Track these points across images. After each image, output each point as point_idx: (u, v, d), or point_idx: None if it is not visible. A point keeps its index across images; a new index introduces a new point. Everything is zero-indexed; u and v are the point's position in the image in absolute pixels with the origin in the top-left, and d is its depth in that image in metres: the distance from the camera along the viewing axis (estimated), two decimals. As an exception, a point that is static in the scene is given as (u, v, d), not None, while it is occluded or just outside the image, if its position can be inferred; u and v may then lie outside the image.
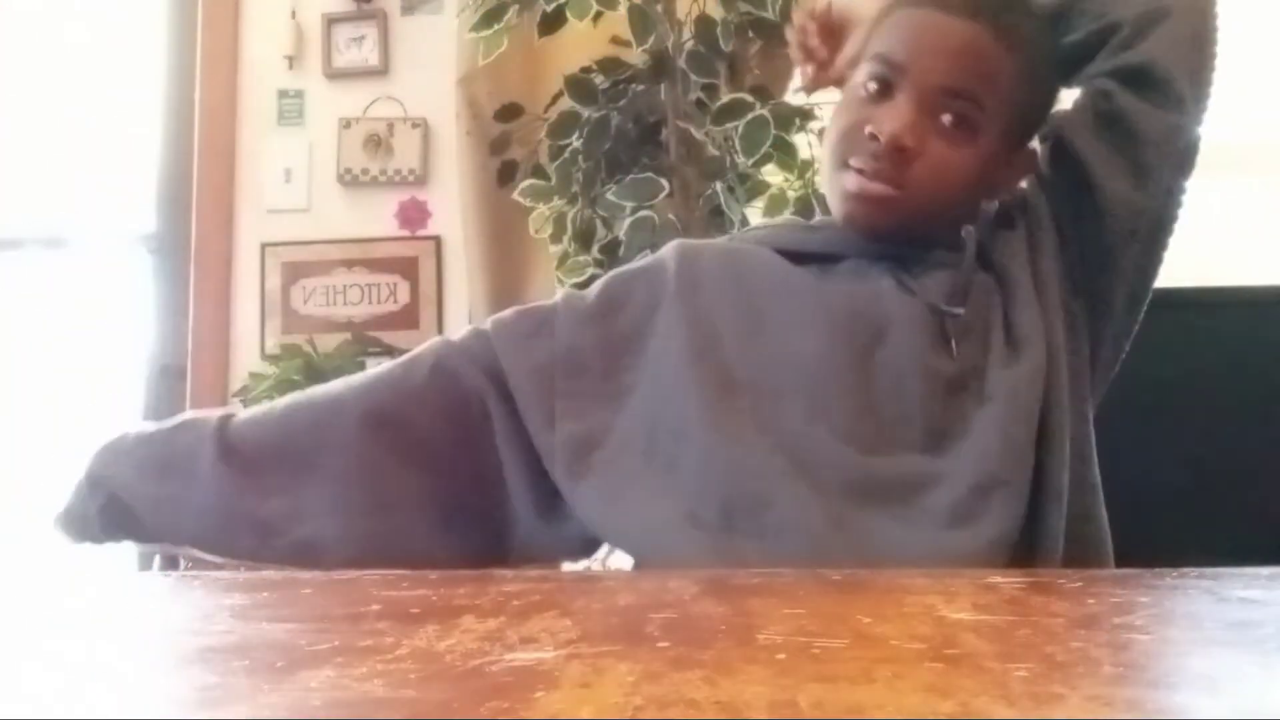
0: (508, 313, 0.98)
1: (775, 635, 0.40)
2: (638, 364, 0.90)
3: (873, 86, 0.89)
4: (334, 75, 2.47)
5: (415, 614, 0.47)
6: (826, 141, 0.95)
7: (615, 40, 1.94)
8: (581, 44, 2.00)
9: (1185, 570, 0.58)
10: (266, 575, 0.68)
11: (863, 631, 0.41)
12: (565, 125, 1.88)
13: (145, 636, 0.47)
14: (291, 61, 2.47)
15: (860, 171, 0.88)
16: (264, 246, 2.44)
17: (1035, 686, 0.32)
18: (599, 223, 1.89)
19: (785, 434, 0.84)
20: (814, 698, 0.31)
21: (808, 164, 1.89)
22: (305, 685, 0.34)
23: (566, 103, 1.91)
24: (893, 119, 0.87)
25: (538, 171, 1.99)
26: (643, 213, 1.75)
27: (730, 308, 0.90)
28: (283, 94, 2.48)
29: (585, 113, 1.86)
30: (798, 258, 0.94)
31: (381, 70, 2.46)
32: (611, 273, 0.99)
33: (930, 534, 0.79)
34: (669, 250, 0.96)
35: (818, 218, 1.05)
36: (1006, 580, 0.55)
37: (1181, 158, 0.94)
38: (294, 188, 2.46)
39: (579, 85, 1.90)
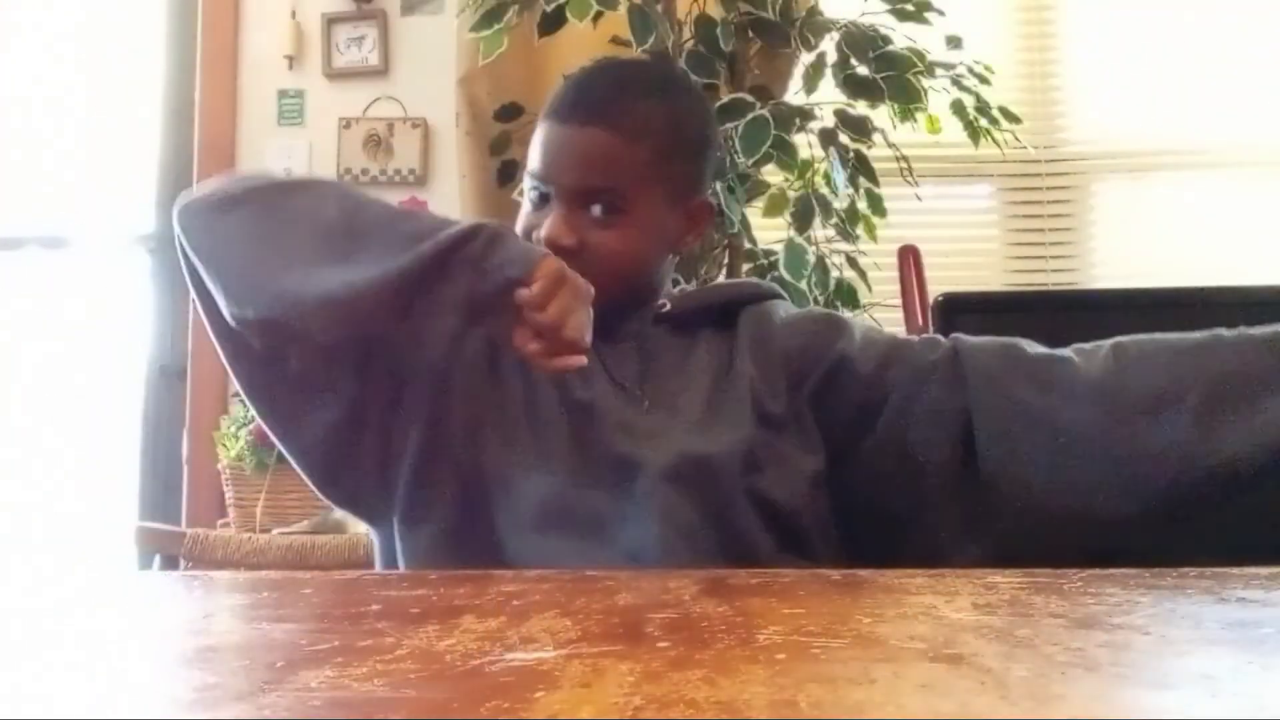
0: None
1: (775, 635, 0.40)
2: None
3: (534, 197, 0.98)
4: (334, 75, 2.47)
5: (415, 614, 0.47)
6: None
7: (615, 40, 1.94)
8: (581, 44, 1.99)
9: (1185, 570, 0.58)
10: (266, 575, 0.68)
11: (863, 631, 0.41)
12: (565, 125, 1.88)
13: (145, 636, 0.47)
14: (291, 61, 2.47)
15: None
16: (264, 246, 2.44)
17: (1035, 686, 0.32)
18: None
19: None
20: (814, 698, 0.31)
21: (808, 164, 1.89)
22: (305, 685, 0.34)
23: (566, 103, 1.91)
24: (549, 224, 0.95)
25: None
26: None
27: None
28: (283, 94, 2.48)
29: (585, 113, 1.86)
30: None
31: (381, 70, 2.46)
32: None
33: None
34: None
35: None
36: (1006, 580, 0.55)
37: None
38: (294, 188, 2.46)
39: (579, 85, 1.90)
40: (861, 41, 1.85)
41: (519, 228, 0.99)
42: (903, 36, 1.89)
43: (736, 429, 0.93)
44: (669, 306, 1.02)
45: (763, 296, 1.05)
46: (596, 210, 0.95)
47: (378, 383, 0.94)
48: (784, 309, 1.05)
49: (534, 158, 0.99)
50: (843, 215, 1.91)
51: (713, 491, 0.90)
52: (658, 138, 0.97)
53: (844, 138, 1.89)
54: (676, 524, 0.88)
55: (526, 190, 1.00)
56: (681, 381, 0.98)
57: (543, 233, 0.95)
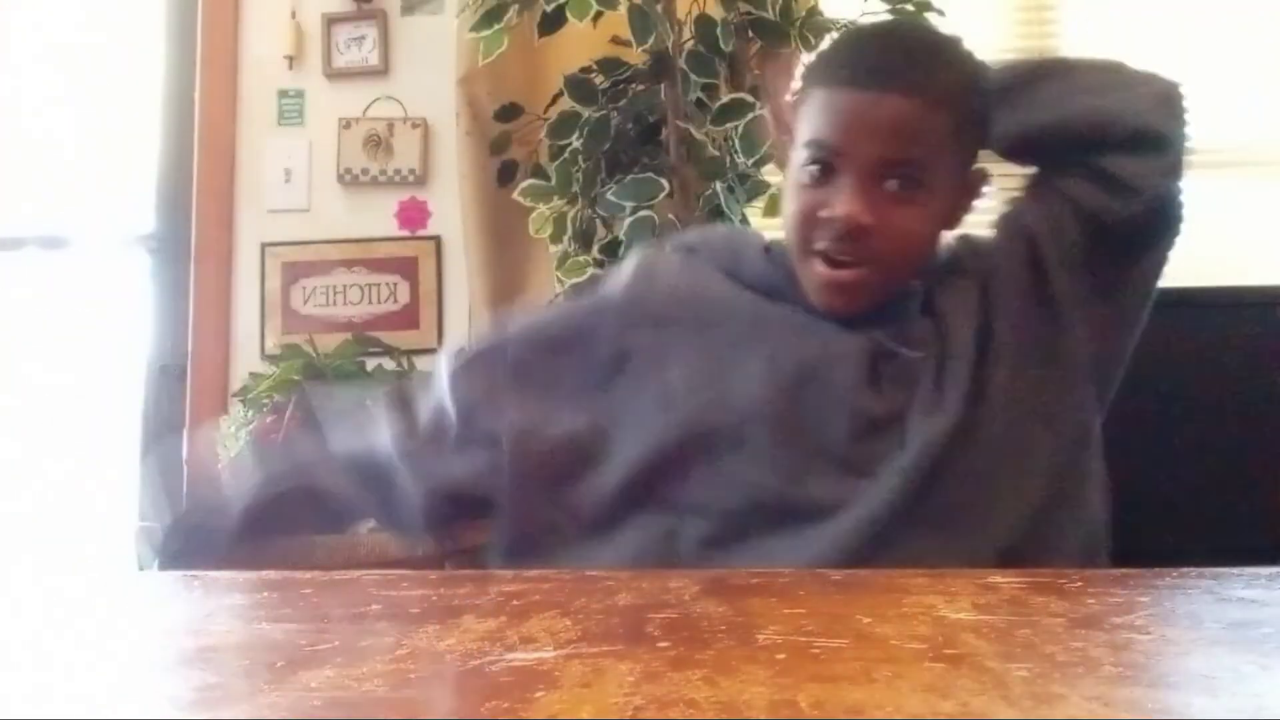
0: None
1: (775, 635, 0.40)
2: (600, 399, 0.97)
3: (814, 170, 0.91)
4: (334, 75, 2.47)
5: (415, 614, 0.47)
6: (786, 226, 0.96)
7: (615, 40, 1.94)
8: (581, 44, 2.00)
9: (1185, 570, 0.58)
10: (266, 575, 0.68)
11: (863, 631, 0.41)
12: (565, 125, 1.88)
13: (145, 636, 0.47)
14: (291, 61, 2.47)
15: (826, 256, 0.91)
16: (264, 246, 2.44)
17: (1035, 686, 0.32)
18: (599, 223, 1.89)
19: (713, 459, 0.90)
20: (814, 698, 0.31)
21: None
22: (305, 685, 0.34)
23: (566, 103, 1.91)
24: (843, 201, 0.89)
25: (538, 171, 1.99)
26: (643, 213, 1.75)
27: (686, 353, 0.95)
28: (283, 94, 2.48)
29: (585, 113, 1.86)
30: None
31: (381, 70, 2.46)
32: (571, 302, 1.07)
33: (811, 556, 0.83)
34: (628, 278, 1.02)
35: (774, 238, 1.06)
36: (1006, 580, 0.55)
37: (1168, 171, 1.00)
38: (294, 188, 2.46)
39: (579, 85, 1.90)
40: (861, 41, 1.84)
41: (794, 207, 0.93)
42: (903, 36, 1.88)
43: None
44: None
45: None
46: (893, 185, 0.89)
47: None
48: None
49: (818, 127, 0.91)
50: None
51: None
52: (957, 104, 0.91)
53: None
54: None
55: (800, 165, 0.92)
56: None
57: (838, 210, 0.89)
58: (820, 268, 0.91)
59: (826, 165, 0.90)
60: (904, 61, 0.92)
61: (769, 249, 1.01)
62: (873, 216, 0.88)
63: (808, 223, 0.91)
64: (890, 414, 0.89)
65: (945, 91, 0.91)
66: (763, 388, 0.91)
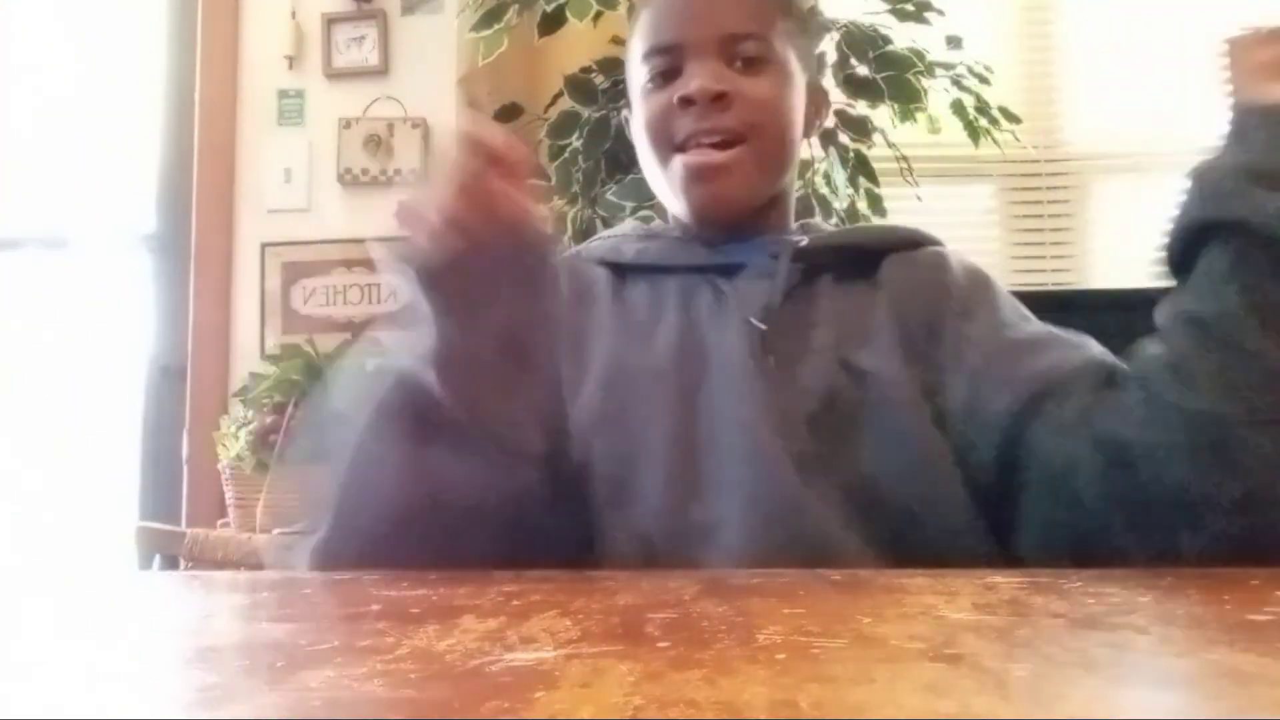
0: None
1: (775, 635, 0.40)
2: None
3: (657, 81, 0.90)
4: (334, 75, 2.47)
5: (415, 614, 0.47)
6: (642, 147, 0.93)
7: (615, 40, 1.94)
8: (581, 44, 2.00)
9: (1185, 570, 0.58)
10: (266, 575, 0.68)
11: (863, 631, 0.41)
12: (565, 125, 1.88)
13: (145, 636, 0.47)
14: (291, 61, 2.47)
15: (691, 146, 0.88)
16: (264, 246, 2.45)
17: (1035, 686, 0.32)
18: (599, 223, 1.89)
19: (609, 484, 0.81)
20: (814, 698, 0.31)
21: (807, 164, 1.89)
22: (305, 685, 0.34)
23: (566, 103, 1.91)
24: (693, 77, 0.88)
25: (538, 171, 1.99)
26: (643, 213, 1.75)
27: (582, 358, 0.87)
28: (283, 94, 2.48)
29: (585, 113, 1.86)
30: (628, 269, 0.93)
31: (381, 70, 2.46)
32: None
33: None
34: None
35: (656, 223, 1.03)
36: (1006, 580, 0.55)
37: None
38: (294, 188, 2.46)
39: (579, 85, 1.90)
40: (861, 41, 1.85)
41: (644, 121, 0.91)
42: (903, 36, 1.89)
43: None
44: (805, 241, 0.89)
45: (917, 243, 0.94)
46: (740, 60, 0.89)
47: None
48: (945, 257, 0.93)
49: (653, 35, 0.91)
50: (843, 215, 1.91)
51: None
52: (783, 1, 0.93)
53: (844, 138, 1.89)
54: None
55: (643, 83, 0.92)
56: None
57: (689, 88, 0.87)
58: (689, 157, 0.88)
59: (667, 70, 0.90)
60: None
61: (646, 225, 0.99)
62: (724, 85, 0.87)
63: (663, 119, 0.89)
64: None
65: None
66: (645, 395, 0.83)
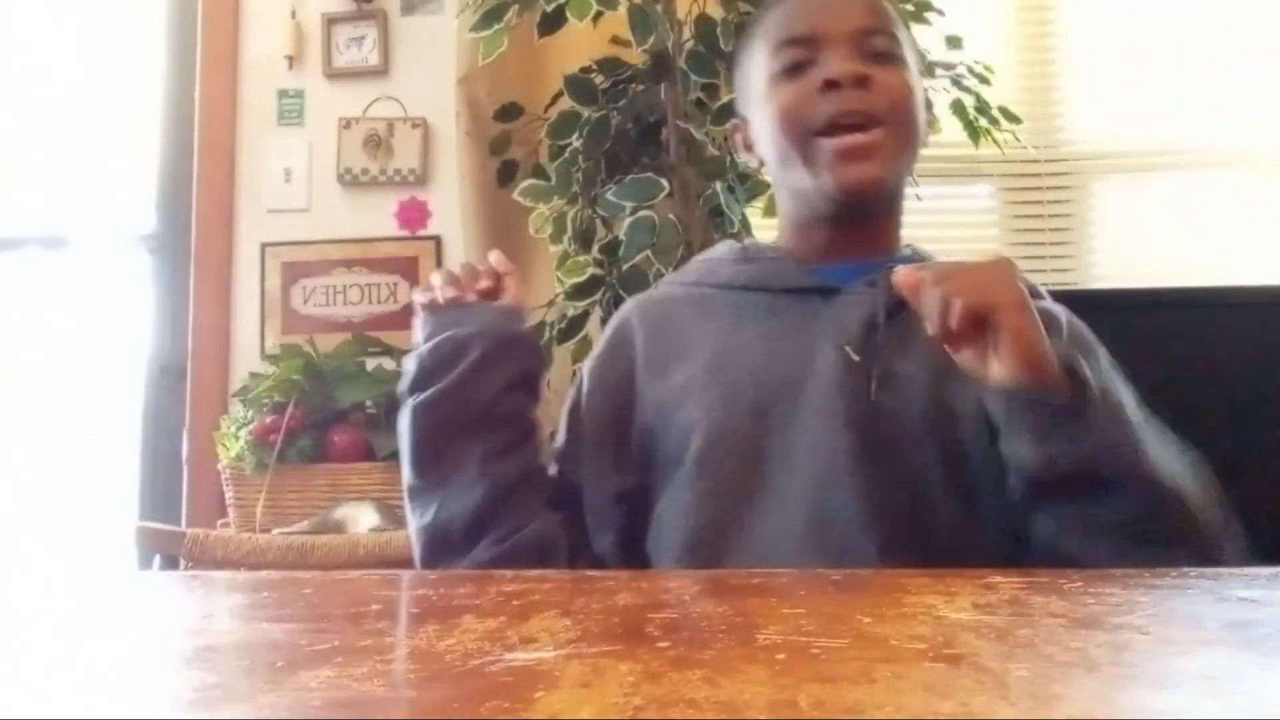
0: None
1: (775, 635, 0.40)
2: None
3: (791, 71, 0.93)
4: (334, 75, 2.47)
5: (415, 614, 0.47)
6: (776, 132, 0.95)
7: (615, 40, 1.94)
8: (581, 44, 2.00)
9: (1185, 570, 0.58)
10: (266, 575, 0.68)
11: (863, 631, 0.41)
12: (565, 125, 1.88)
13: (145, 636, 0.47)
14: (291, 61, 2.47)
15: (834, 126, 0.90)
16: (264, 246, 2.44)
17: (1035, 686, 0.32)
18: (599, 223, 1.89)
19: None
20: (814, 698, 0.31)
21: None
22: (305, 685, 0.34)
23: (566, 103, 1.91)
24: (834, 63, 0.91)
25: (538, 171, 1.99)
26: (643, 213, 1.75)
27: (670, 368, 0.95)
28: (283, 94, 2.48)
29: (585, 113, 1.86)
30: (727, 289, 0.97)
31: (381, 70, 2.46)
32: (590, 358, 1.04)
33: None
34: (626, 322, 1.01)
35: (749, 241, 1.05)
36: (1006, 580, 0.55)
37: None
38: (294, 188, 2.46)
39: (579, 85, 1.90)
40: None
41: (778, 108, 0.93)
42: (903, 36, 1.88)
43: None
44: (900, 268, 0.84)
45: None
46: (874, 49, 0.92)
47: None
48: None
49: (785, 27, 0.95)
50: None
51: None
52: (897, 12, 0.99)
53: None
54: None
55: (773, 73, 0.94)
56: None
57: (832, 70, 0.90)
58: (836, 140, 0.90)
59: (799, 64, 0.93)
60: None
61: (743, 244, 1.03)
62: (864, 70, 0.91)
63: (801, 105, 0.92)
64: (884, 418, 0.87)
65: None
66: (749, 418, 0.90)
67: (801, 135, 0.92)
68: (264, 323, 2.43)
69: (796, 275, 0.95)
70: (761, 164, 1.01)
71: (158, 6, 2.59)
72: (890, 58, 0.93)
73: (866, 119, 0.90)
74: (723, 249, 1.04)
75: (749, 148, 1.03)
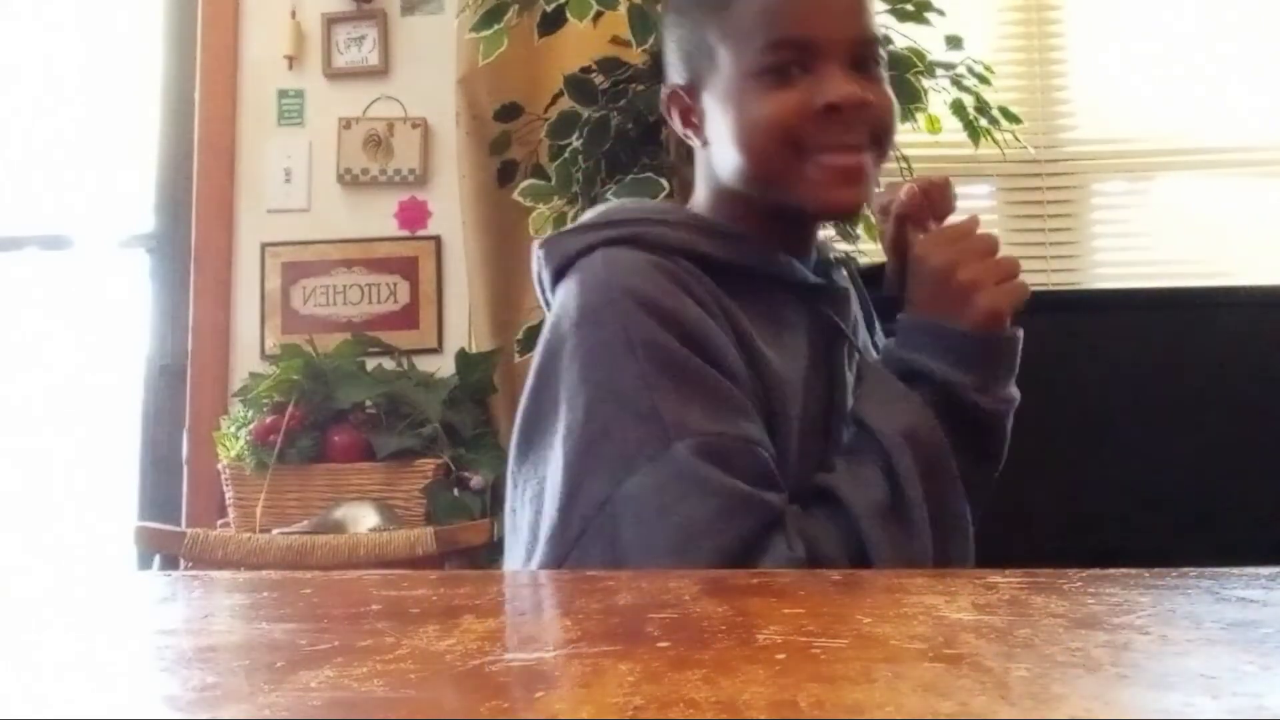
0: None
1: (775, 635, 0.40)
2: None
3: (781, 74, 0.86)
4: (334, 75, 2.47)
5: (415, 614, 0.47)
6: (746, 143, 0.88)
7: (615, 40, 1.94)
8: (581, 44, 2.00)
9: (1185, 570, 0.58)
10: (266, 575, 0.68)
11: (863, 631, 0.41)
12: (565, 125, 1.88)
13: (145, 636, 0.47)
14: (291, 61, 2.47)
15: (836, 146, 0.86)
16: (264, 246, 2.45)
17: (1035, 686, 0.32)
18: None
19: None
20: (814, 698, 0.31)
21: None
22: (305, 685, 0.34)
23: (566, 103, 1.91)
24: (839, 84, 0.85)
25: (538, 171, 1.99)
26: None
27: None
28: (283, 94, 2.48)
29: (585, 113, 1.86)
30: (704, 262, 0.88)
31: (381, 70, 2.46)
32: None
33: None
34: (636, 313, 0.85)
35: (696, 213, 0.96)
36: (1006, 580, 0.55)
37: None
38: (294, 188, 2.46)
39: (579, 85, 1.90)
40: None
41: (769, 110, 0.86)
42: (903, 36, 1.89)
43: None
44: (854, 263, 0.96)
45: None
46: (867, 64, 0.88)
47: None
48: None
49: (783, 25, 0.86)
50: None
51: None
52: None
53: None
54: None
55: (753, 75, 0.87)
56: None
57: (842, 92, 0.84)
58: (832, 159, 0.86)
59: (787, 70, 0.86)
60: None
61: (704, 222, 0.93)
62: (870, 95, 0.86)
63: (794, 119, 0.85)
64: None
65: None
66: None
67: (790, 152, 0.87)
68: (264, 323, 2.43)
69: (787, 265, 0.92)
70: (704, 144, 0.93)
71: (158, 7, 2.59)
72: (877, 68, 0.89)
73: (860, 142, 0.87)
74: (671, 213, 0.93)
75: (693, 125, 0.94)
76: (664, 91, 0.97)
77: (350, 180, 2.43)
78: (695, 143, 0.95)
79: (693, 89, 0.93)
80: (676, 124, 0.96)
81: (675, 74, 0.96)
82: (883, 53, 0.91)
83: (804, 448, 0.85)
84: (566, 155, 1.86)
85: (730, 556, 0.72)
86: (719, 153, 0.92)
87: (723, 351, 0.81)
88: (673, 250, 0.86)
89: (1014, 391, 0.86)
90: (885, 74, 0.91)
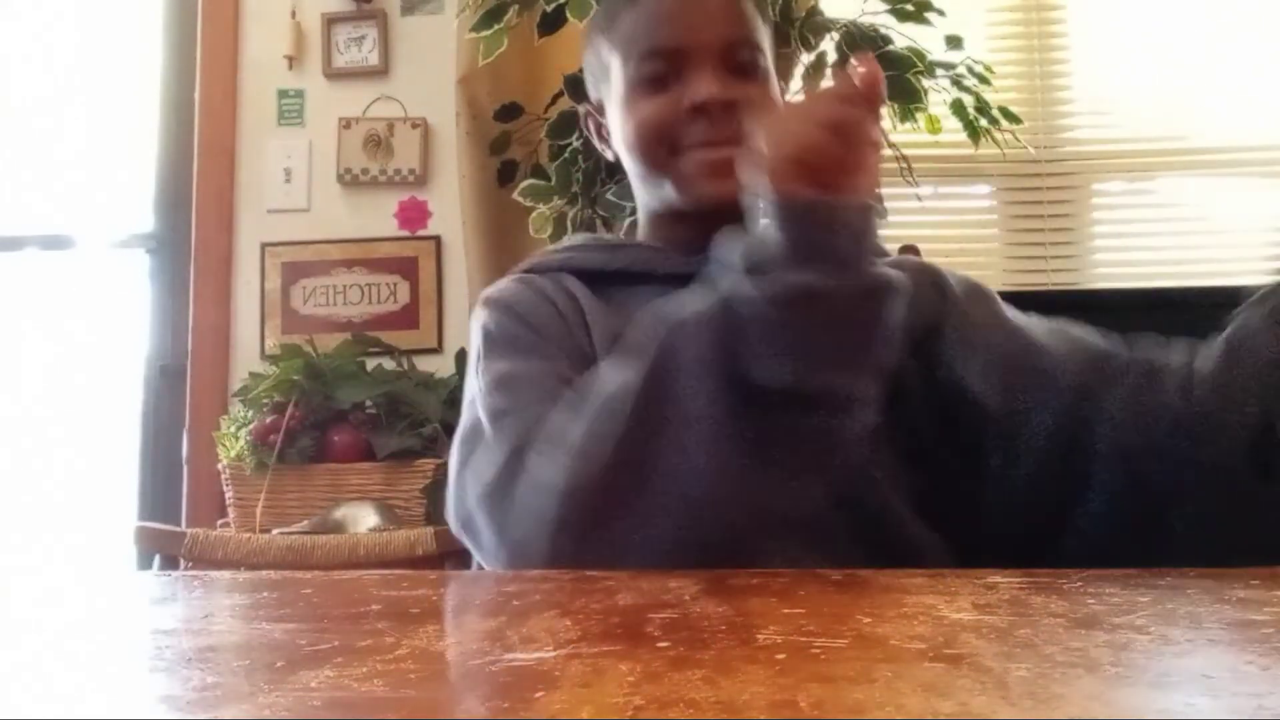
0: None
1: (775, 635, 0.40)
2: None
3: (654, 82, 0.91)
4: (334, 75, 2.47)
5: (415, 614, 0.47)
6: (633, 143, 0.94)
7: (615, 40, 1.94)
8: (581, 44, 2.00)
9: (1185, 570, 0.58)
10: (266, 575, 0.68)
11: (863, 631, 0.41)
12: (565, 125, 1.88)
13: (145, 636, 0.47)
14: (291, 61, 2.47)
15: (703, 143, 0.90)
16: (264, 246, 2.45)
17: (1035, 686, 0.32)
18: (599, 223, 1.89)
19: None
20: (814, 698, 0.31)
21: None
22: (305, 685, 0.34)
23: (566, 103, 1.91)
24: (704, 85, 0.89)
25: (538, 171, 1.99)
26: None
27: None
28: (283, 94, 2.48)
29: (585, 112, 1.86)
30: (598, 278, 0.94)
31: (381, 70, 2.46)
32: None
33: None
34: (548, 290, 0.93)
35: (608, 235, 1.07)
36: (1006, 580, 0.55)
37: None
38: (294, 188, 2.46)
39: (579, 85, 1.89)
40: (861, 41, 1.84)
41: (642, 116, 0.92)
42: (903, 36, 1.89)
43: None
44: None
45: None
46: (740, 65, 0.91)
47: None
48: None
49: (651, 36, 0.92)
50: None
51: None
52: (763, 10, 0.96)
53: (844, 138, 1.89)
54: None
55: (634, 84, 0.93)
56: None
57: (702, 93, 0.89)
58: (703, 154, 0.90)
59: (660, 76, 0.91)
60: None
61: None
62: (733, 93, 0.89)
63: (665, 123, 0.91)
64: None
65: None
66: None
67: (664, 152, 0.92)
68: (264, 323, 2.43)
69: (681, 263, 0.92)
70: (617, 158, 1.00)
71: (158, 7, 2.59)
72: (753, 70, 0.92)
73: (731, 141, 0.87)
74: (579, 239, 1.04)
75: (604, 139, 1.02)
76: (581, 110, 1.05)
77: (350, 180, 2.43)
78: (609, 155, 1.02)
79: (600, 105, 1.02)
80: (594, 139, 1.04)
81: (590, 92, 1.04)
82: (764, 50, 0.94)
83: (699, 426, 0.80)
84: (566, 155, 1.86)
85: (495, 488, 0.75)
86: (624, 161, 0.98)
87: (547, 324, 0.88)
88: (550, 269, 0.95)
89: (834, 273, 0.69)
90: (770, 71, 0.94)
